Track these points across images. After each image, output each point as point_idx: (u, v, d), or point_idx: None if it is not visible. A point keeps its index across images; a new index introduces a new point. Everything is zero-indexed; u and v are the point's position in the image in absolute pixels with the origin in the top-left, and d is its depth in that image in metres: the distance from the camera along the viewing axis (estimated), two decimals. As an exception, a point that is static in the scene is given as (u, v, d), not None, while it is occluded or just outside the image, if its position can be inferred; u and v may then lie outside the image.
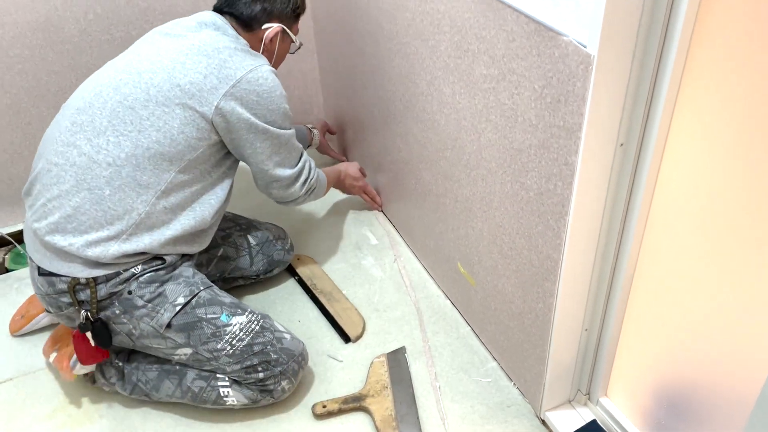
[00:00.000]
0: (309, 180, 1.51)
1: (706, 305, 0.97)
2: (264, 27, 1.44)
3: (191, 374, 1.37)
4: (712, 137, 0.88)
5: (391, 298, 1.65)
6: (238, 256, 1.61)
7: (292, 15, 1.48)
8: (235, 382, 1.35)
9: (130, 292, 1.29)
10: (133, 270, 1.30)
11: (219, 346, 1.32)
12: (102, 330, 1.31)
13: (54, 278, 1.29)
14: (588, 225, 1.04)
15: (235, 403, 1.36)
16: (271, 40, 1.46)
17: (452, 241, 1.50)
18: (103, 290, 1.28)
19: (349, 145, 2.08)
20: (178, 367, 1.38)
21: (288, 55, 1.60)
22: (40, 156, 1.33)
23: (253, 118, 1.33)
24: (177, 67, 1.29)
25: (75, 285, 1.28)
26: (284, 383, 1.36)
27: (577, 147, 0.94)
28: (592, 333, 1.22)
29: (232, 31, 1.39)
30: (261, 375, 1.33)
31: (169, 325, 1.30)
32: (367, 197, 1.91)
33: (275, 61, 1.53)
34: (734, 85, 0.82)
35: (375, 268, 1.75)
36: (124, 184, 1.26)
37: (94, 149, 1.27)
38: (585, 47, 0.86)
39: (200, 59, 1.30)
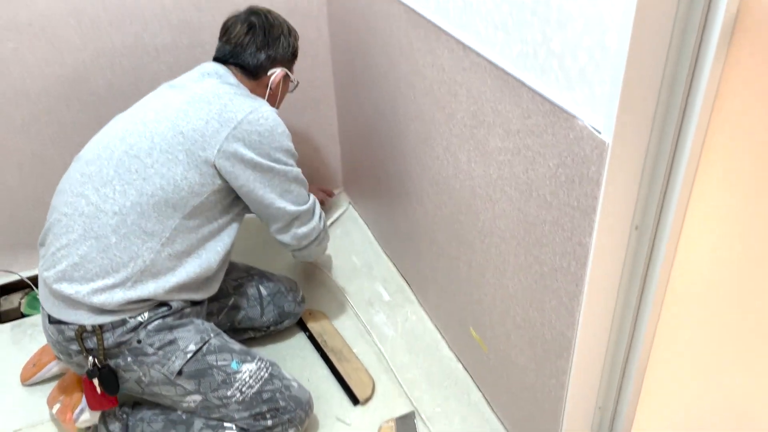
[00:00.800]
0: (322, 214, 1.50)
1: (725, 383, 0.94)
2: (269, 73, 1.49)
3: (198, 423, 1.36)
4: (729, 220, 0.87)
5: (402, 358, 1.63)
6: (248, 306, 1.62)
7: (291, 57, 1.55)
8: (242, 430, 1.35)
9: (139, 341, 1.30)
10: (139, 318, 1.30)
11: (229, 393, 1.33)
12: (109, 377, 1.31)
13: (63, 326, 1.30)
14: (602, 305, 1.02)
15: None
16: (277, 84, 1.52)
17: (465, 305, 1.48)
18: (110, 339, 1.29)
19: (364, 197, 2.08)
20: (184, 417, 1.38)
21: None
22: (53, 208, 1.37)
23: (257, 158, 1.34)
24: (180, 116, 1.32)
25: (82, 332, 1.29)
26: (291, 431, 1.38)
27: (591, 229, 0.93)
28: (606, 411, 1.19)
29: (233, 79, 1.43)
30: (269, 422, 1.35)
31: (180, 372, 1.31)
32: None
33: (278, 102, 1.58)
34: (751, 171, 0.81)
35: (387, 327, 1.73)
36: (129, 231, 1.29)
37: (101, 198, 1.30)
38: (599, 133, 0.86)
39: (202, 106, 1.33)
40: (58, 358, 1.39)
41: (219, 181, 1.34)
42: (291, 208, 1.41)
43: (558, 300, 1.08)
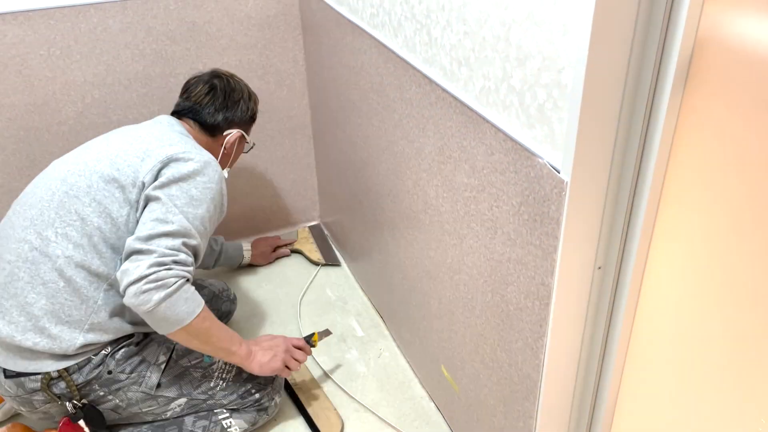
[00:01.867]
0: (165, 267, 1.15)
1: (695, 422, 0.91)
2: (225, 134, 1.52)
3: (190, 419, 1.40)
4: (693, 258, 0.84)
5: (374, 397, 1.59)
6: None
7: (249, 120, 1.58)
8: (233, 410, 1.41)
9: (110, 372, 1.29)
10: (103, 351, 1.29)
11: (212, 384, 1.39)
12: (95, 413, 1.31)
13: (23, 378, 1.26)
14: (567, 347, 1.00)
15: (238, 430, 1.42)
16: (231, 144, 1.54)
17: (436, 342, 1.45)
18: (79, 378, 1.27)
19: (340, 229, 2.05)
20: (171, 419, 1.39)
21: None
22: None
23: (155, 186, 1.23)
24: (120, 155, 1.30)
25: (48, 381, 1.26)
26: (276, 398, 1.47)
27: (553, 269, 0.91)
28: (576, 455, 1.15)
29: (183, 129, 1.43)
30: (257, 395, 1.42)
31: (158, 385, 1.34)
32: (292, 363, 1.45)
33: (231, 161, 1.59)
34: (712, 208, 0.79)
35: (359, 363, 1.69)
36: (74, 274, 1.25)
37: (44, 242, 1.26)
38: (558, 172, 0.84)
39: (140, 146, 1.31)
40: (18, 410, 1.35)
41: None
42: (132, 241, 1.18)
43: (524, 341, 1.05)
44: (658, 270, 0.90)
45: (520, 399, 1.11)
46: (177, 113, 1.50)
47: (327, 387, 1.62)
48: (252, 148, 1.68)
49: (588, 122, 0.79)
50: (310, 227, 2.21)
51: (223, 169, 1.53)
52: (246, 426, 1.43)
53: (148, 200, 1.25)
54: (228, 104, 1.50)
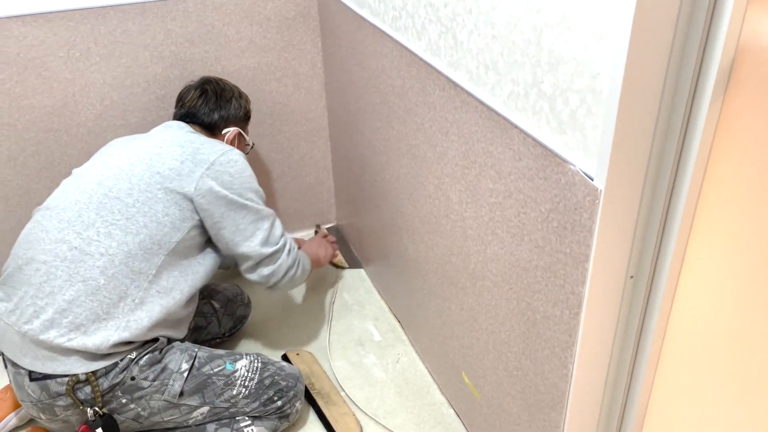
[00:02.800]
0: (293, 250, 1.49)
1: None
2: (224, 132, 1.60)
3: (212, 426, 1.40)
4: (728, 269, 0.83)
5: (392, 403, 1.57)
6: (207, 323, 1.67)
7: (244, 118, 1.66)
8: (255, 418, 1.42)
9: (133, 378, 1.29)
10: (129, 356, 1.29)
11: (235, 392, 1.39)
12: (113, 423, 1.31)
13: (48, 381, 1.26)
14: (597, 357, 0.98)
15: None
16: (231, 142, 1.61)
17: (457, 348, 1.43)
18: (105, 383, 1.27)
19: (357, 232, 2.04)
20: (193, 427, 1.39)
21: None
22: (18, 258, 1.32)
23: (230, 195, 1.38)
24: (154, 158, 1.36)
25: (74, 384, 1.26)
26: (297, 404, 1.47)
27: (584, 278, 0.89)
28: (602, 466, 1.13)
29: (193, 130, 1.51)
30: (279, 403, 1.43)
31: (181, 393, 1.33)
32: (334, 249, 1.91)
33: None
34: (749, 219, 0.77)
35: (377, 368, 1.67)
36: (117, 271, 1.28)
37: (85, 242, 1.29)
38: (592, 180, 0.83)
39: (174, 149, 1.38)
40: (36, 419, 1.34)
41: (197, 217, 1.37)
42: (258, 248, 1.42)
43: (551, 350, 1.03)
44: (693, 280, 0.88)
45: (546, 409, 1.09)
46: (176, 118, 1.58)
47: (345, 392, 1.60)
48: (252, 148, 1.73)
49: (624, 129, 0.77)
50: (327, 229, 2.20)
51: None
52: None
53: (231, 206, 1.37)
54: (221, 103, 1.58)
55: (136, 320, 1.28)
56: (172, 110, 1.80)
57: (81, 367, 1.26)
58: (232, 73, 1.82)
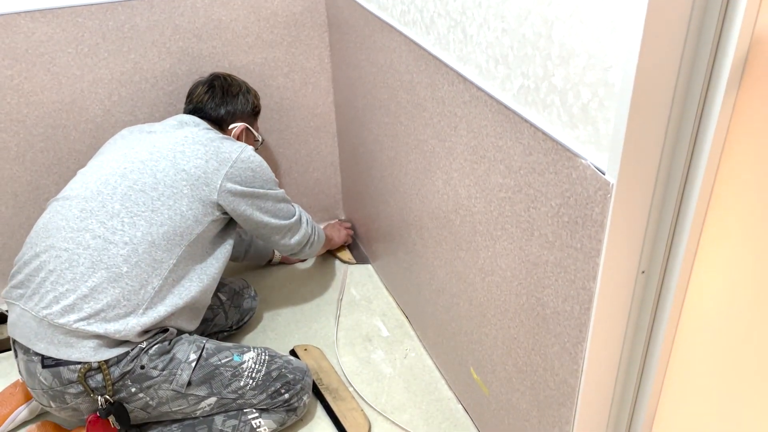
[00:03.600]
0: (308, 219, 1.65)
1: (738, 451, 0.88)
2: (231, 127, 1.63)
3: (219, 418, 1.41)
4: (741, 265, 0.82)
5: (400, 398, 1.57)
6: (214, 315, 1.68)
7: (252, 114, 1.69)
8: (263, 410, 1.44)
9: (142, 367, 1.31)
10: (140, 345, 1.31)
11: (242, 383, 1.40)
12: (122, 411, 1.33)
13: (61, 368, 1.28)
14: (607, 353, 0.97)
15: (267, 430, 1.44)
16: (238, 137, 1.63)
17: (466, 344, 1.43)
18: (116, 372, 1.29)
19: (365, 228, 2.04)
20: (201, 418, 1.41)
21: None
22: (36, 246, 1.34)
23: (252, 189, 1.46)
24: (178, 156, 1.40)
25: (86, 371, 1.27)
26: (305, 398, 1.49)
27: (595, 273, 0.88)
28: (612, 462, 1.12)
29: (210, 126, 1.55)
30: (286, 396, 1.44)
31: (189, 383, 1.35)
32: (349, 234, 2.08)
33: None
34: (764, 213, 0.77)
35: (385, 364, 1.67)
36: (140, 260, 1.32)
37: (109, 231, 1.32)
38: (603, 174, 0.82)
39: (198, 147, 1.42)
40: (46, 407, 1.35)
41: (218, 213, 1.43)
42: (283, 222, 1.55)
43: (561, 345, 1.02)
44: (706, 275, 0.87)
45: (556, 405, 1.08)
46: (189, 113, 1.61)
47: (353, 387, 1.60)
48: (261, 143, 1.75)
49: (637, 123, 0.76)
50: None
51: None
52: (275, 426, 1.44)
53: (254, 198, 1.46)
54: (227, 99, 1.61)
55: (154, 308, 1.32)
56: (180, 106, 1.81)
57: (95, 355, 1.27)
58: (240, 68, 1.82)
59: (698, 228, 0.84)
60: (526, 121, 0.96)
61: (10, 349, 1.76)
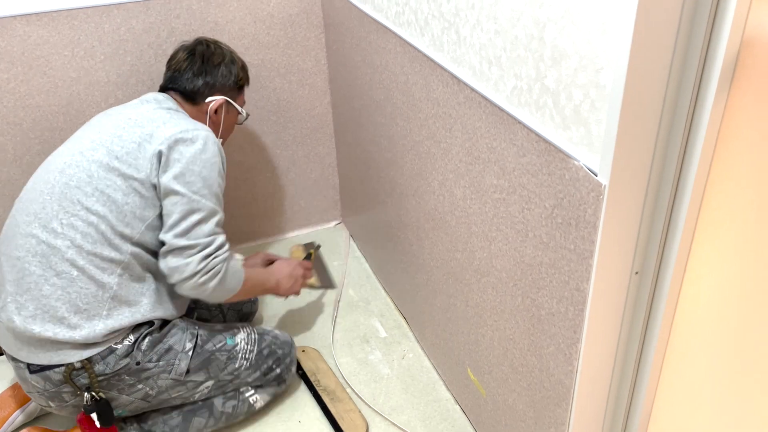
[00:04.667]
0: (212, 257, 1.29)
1: (733, 452, 0.88)
2: (208, 100, 1.48)
3: (219, 400, 1.45)
4: (734, 264, 0.82)
5: (398, 399, 1.57)
6: (211, 316, 1.67)
7: (235, 87, 1.52)
8: (257, 387, 1.48)
9: (138, 363, 1.31)
10: (126, 342, 1.30)
11: (237, 365, 1.44)
12: (106, 409, 1.31)
13: (47, 372, 1.27)
14: (602, 354, 0.97)
15: (263, 404, 1.51)
16: (216, 111, 1.49)
17: (463, 344, 1.43)
18: (106, 369, 1.28)
19: (362, 229, 2.04)
20: (200, 402, 1.44)
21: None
22: (2, 255, 1.32)
23: (170, 175, 1.27)
24: (114, 141, 1.30)
25: (71, 372, 1.27)
26: (293, 369, 1.55)
27: (588, 274, 0.89)
28: (608, 462, 1.12)
29: (172, 104, 1.42)
30: (278, 371, 1.50)
31: (187, 371, 1.37)
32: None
33: (223, 132, 1.56)
34: (757, 212, 0.77)
35: (382, 365, 1.67)
36: (88, 262, 1.26)
37: (51, 234, 1.27)
38: (596, 175, 0.82)
39: (135, 130, 1.31)
40: (47, 408, 1.35)
41: (161, 202, 1.31)
42: (171, 236, 1.27)
43: (556, 346, 1.02)
44: (698, 275, 0.87)
45: (552, 405, 1.08)
46: (161, 88, 1.50)
47: (351, 389, 1.60)
48: (246, 119, 1.59)
49: (628, 124, 0.76)
50: (305, 245, 1.99)
51: None
52: (268, 398, 1.51)
53: (166, 191, 1.28)
54: (206, 69, 1.46)
55: (117, 308, 1.28)
56: (176, 108, 1.81)
57: (74, 356, 1.26)
58: (236, 70, 1.82)
59: (691, 228, 0.84)
60: (519, 122, 0.96)
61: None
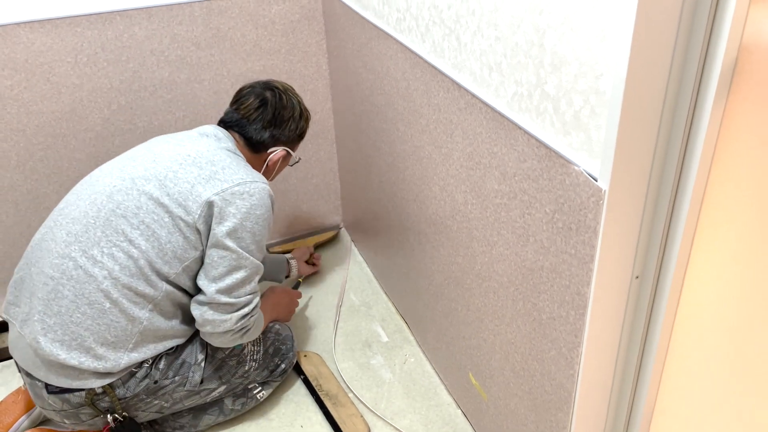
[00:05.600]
0: (248, 317, 1.33)
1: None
2: (269, 151, 1.47)
3: (228, 400, 1.48)
4: (734, 269, 0.82)
5: (400, 404, 1.57)
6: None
7: (297, 138, 1.52)
8: (264, 383, 1.52)
9: (156, 382, 1.33)
10: (145, 365, 1.32)
11: (247, 367, 1.46)
12: (132, 425, 1.35)
13: (67, 395, 1.28)
14: (603, 358, 0.98)
15: (266, 395, 1.54)
16: (275, 163, 1.49)
17: (464, 349, 1.43)
18: (127, 393, 1.31)
19: (364, 234, 2.05)
20: (209, 401, 1.46)
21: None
22: (31, 264, 1.31)
23: (222, 232, 1.26)
24: (169, 176, 1.28)
25: (92, 396, 1.28)
26: (294, 360, 1.59)
27: (589, 279, 0.89)
28: (610, 466, 1.13)
29: (231, 145, 1.40)
30: (283, 366, 1.55)
31: (201, 381, 1.39)
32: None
33: (273, 176, 1.56)
34: (756, 217, 0.77)
35: (384, 369, 1.68)
36: (121, 296, 1.25)
37: (90, 261, 1.25)
38: (596, 180, 0.83)
39: (192, 170, 1.29)
40: (60, 424, 1.37)
41: (203, 247, 1.30)
42: (214, 291, 1.28)
43: (557, 350, 1.03)
44: (699, 279, 0.87)
45: (553, 409, 1.09)
46: (224, 122, 1.45)
47: (352, 393, 1.61)
48: (297, 162, 1.61)
49: (628, 129, 0.77)
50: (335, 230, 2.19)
51: None
52: (271, 390, 1.56)
53: (216, 243, 1.27)
54: (276, 122, 1.44)
55: (144, 341, 1.29)
56: (179, 114, 1.82)
57: (96, 382, 1.27)
58: (238, 76, 1.83)
59: (691, 232, 0.85)
60: (519, 127, 0.97)
61: (10, 358, 1.76)
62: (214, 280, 1.28)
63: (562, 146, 0.89)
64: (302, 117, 1.50)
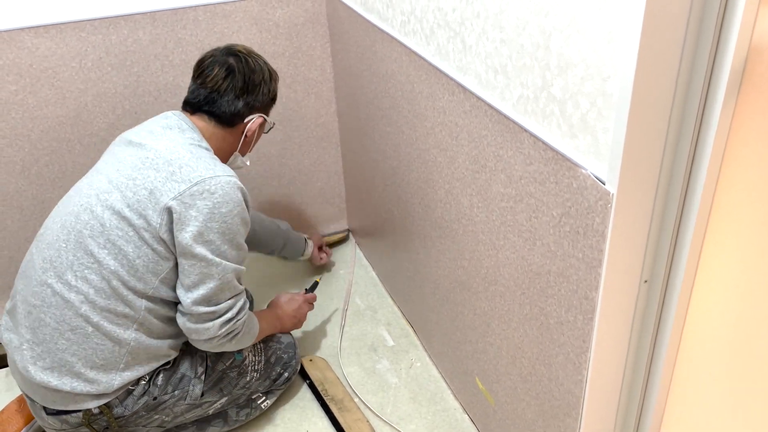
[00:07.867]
0: (233, 321, 1.28)
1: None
2: (246, 120, 1.36)
3: (233, 411, 1.46)
4: (744, 273, 0.81)
5: (406, 409, 1.56)
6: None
7: (270, 102, 1.42)
8: (267, 392, 1.50)
9: (155, 398, 1.32)
10: (142, 382, 1.31)
11: (248, 378, 1.44)
12: None
13: (65, 416, 1.28)
14: (611, 363, 0.97)
15: (270, 404, 1.52)
16: (253, 132, 1.39)
17: (471, 353, 1.42)
18: (125, 412, 1.30)
19: (369, 237, 2.04)
20: (212, 412, 1.44)
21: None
22: (17, 292, 1.30)
23: (188, 233, 1.18)
24: (129, 185, 1.22)
25: (89, 417, 1.28)
26: (297, 367, 1.57)
27: (597, 283, 0.88)
28: (618, 472, 1.11)
29: (197, 135, 1.30)
30: (286, 374, 1.52)
31: (201, 394, 1.37)
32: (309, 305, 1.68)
33: (251, 147, 1.45)
34: (766, 219, 0.76)
35: (390, 374, 1.67)
36: (102, 318, 1.23)
37: (65, 287, 1.22)
38: (604, 184, 0.82)
39: (149, 173, 1.22)
40: None
41: (175, 256, 1.24)
42: (190, 302, 1.23)
43: (565, 355, 1.02)
44: (708, 283, 0.86)
45: (561, 415, 1.08)
46: (191, 105, 1.34)
47: (358, 398, 1.60)
48: (272, 128, 1.48)
49: (636, 132, 0.76)
50: (342, 233, 2.19)
51: (243, 155, 1.43)
52: (275, 398, 1.54)
53: (183, 251, 1.20)
54: (249, 88, 1.33)
55: (136, 361, 1.28)
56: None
57: (92, 403, 1.27)
58: (243, 80, 1.83)
59: (700, 236, 0.84)
60: (525, 130, 0.96)
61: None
62: (189, 289, 1.23)
63: (569, 149, 0.88)
64: (272, 78, 1.39)
